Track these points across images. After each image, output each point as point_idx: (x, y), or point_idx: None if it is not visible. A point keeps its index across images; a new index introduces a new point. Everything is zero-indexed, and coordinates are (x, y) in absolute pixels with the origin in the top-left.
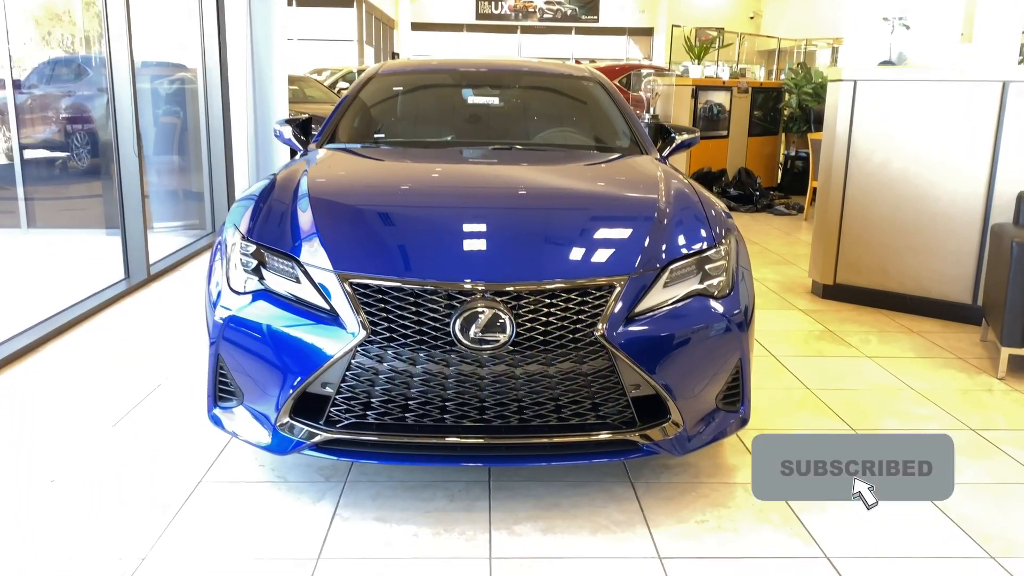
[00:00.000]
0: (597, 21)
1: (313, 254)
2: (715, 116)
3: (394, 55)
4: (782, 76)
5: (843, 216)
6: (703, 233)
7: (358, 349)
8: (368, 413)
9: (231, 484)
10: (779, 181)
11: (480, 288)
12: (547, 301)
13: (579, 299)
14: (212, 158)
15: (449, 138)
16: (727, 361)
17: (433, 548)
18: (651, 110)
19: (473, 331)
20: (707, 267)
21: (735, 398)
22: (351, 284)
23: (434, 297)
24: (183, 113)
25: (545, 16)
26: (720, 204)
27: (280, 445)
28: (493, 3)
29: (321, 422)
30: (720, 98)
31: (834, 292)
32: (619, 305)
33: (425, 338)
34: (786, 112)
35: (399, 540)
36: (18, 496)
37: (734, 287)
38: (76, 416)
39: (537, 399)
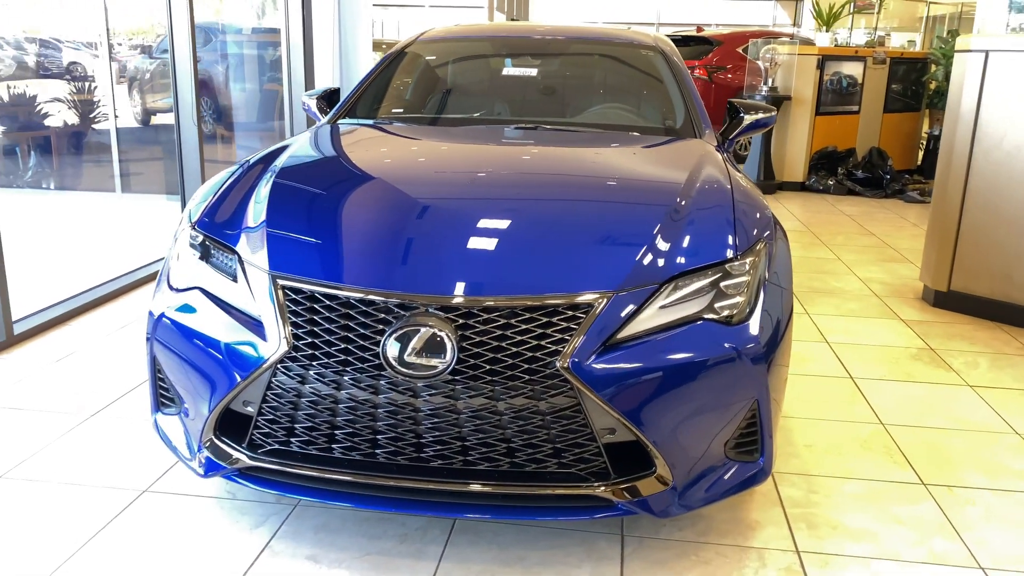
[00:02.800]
0: None
1: (254, 249)
2: (844, 89)
3: (512, 20)
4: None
5: (963, 211)
6: (727, 240)
7: (278, 366)
8: (292, 440)
9: (175, 496)
10: (919, 163)
11: (421, 301)
12: (502, 321)
13: (544, 320)
14: (294, 128)
15: (477, 114)
16: (737, 403)
17: None
18: (769, 81)
19: (406, 354)
20: (723, 284)
21: (751, 446)
22: (283, 288)
23: (366, 309)
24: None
25: None
26: (761, 202)
27: (202, 466)
28: None
29: (244, 446)
30: (851, 69)
31: (947, 300)
32: (594, 329)
33: (351, 359)
34: (931, 86)
35: None
36: None
37: (753, 310)
38: (67, 397)
39: (484, 439)
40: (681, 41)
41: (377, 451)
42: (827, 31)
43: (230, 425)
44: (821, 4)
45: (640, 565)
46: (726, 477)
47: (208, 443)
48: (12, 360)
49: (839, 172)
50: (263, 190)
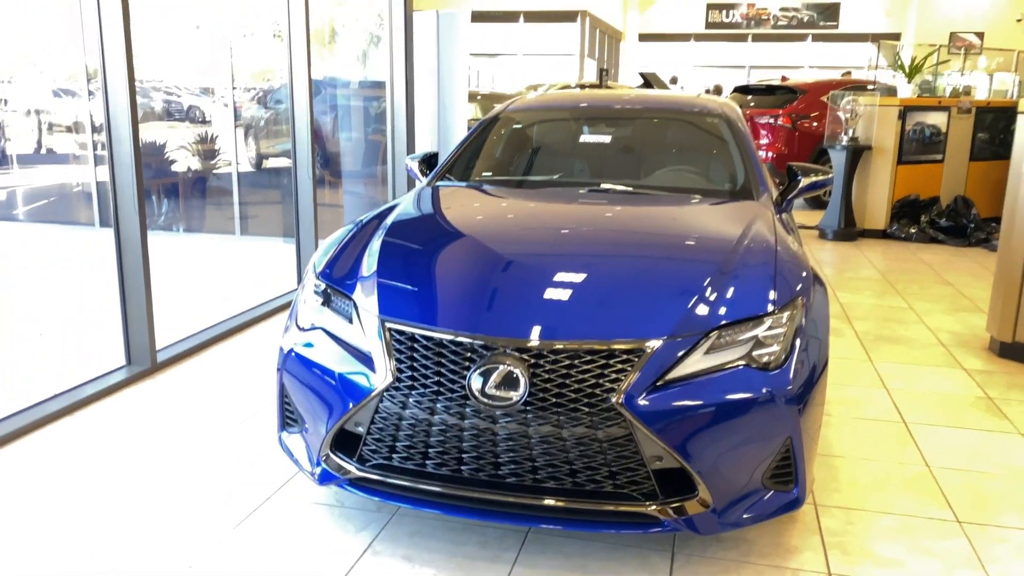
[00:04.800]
0: (836, 27)
1: (367, 296)
2: (927, 139)
3: (602, 71)
4: None
5: None
6: (768, 295)
7: (384, 394)
8: (394, 456)
9: (296, 500)
10: None
11: (500, 343)
12: (567, 361)
13: (603, 361)
14: (395, 175)
15: (555, 177)
16: (772, 439)
17: None
18: (849, 132)
19: (486, 386)
20: (761, 334)
21: (787, 477)
22: (389, 329)
23: (456, 349)
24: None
25: (779, 23)
26: (803, 261)
27: (319, 476)
28: (724, 11)
29: (354, 459)
30: (935, 119)
31: (1013, 351)
32: (646, 370)
33: (443, 389)
34: None
35: None
36: (120, 484)
37: (788, 358)
38: (204, 417)
39: (550, 461)
40: (766, 90)
41: (463, 467)
42: (909, 82)
43: (342, 442)
44: (898, 54)
45: None
46: (763, 503)
47: (325, 457)
48: (158, 384)
49: (922, 220)
50: (374, 246)
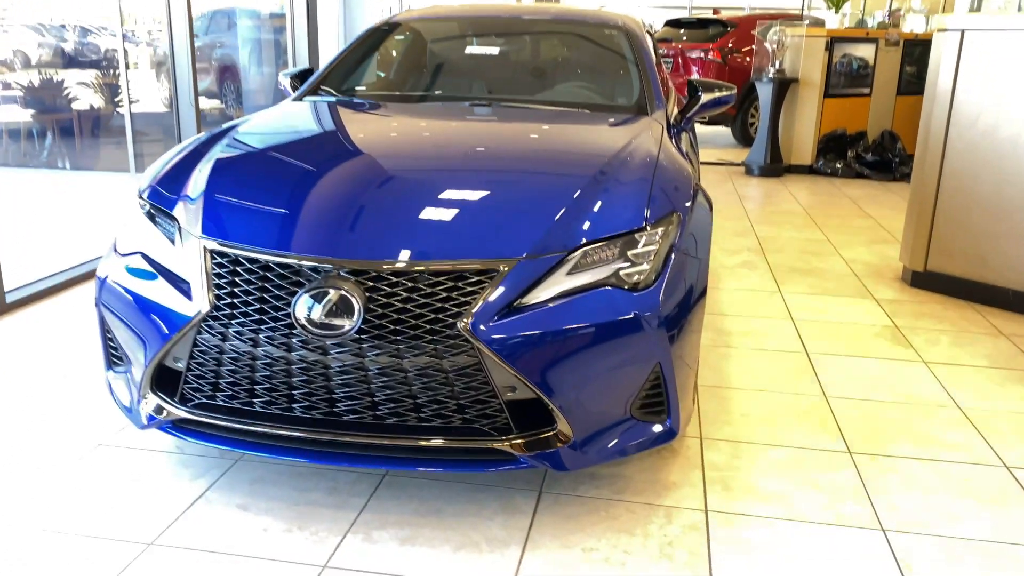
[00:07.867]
0: None
1: (190, 216)
2: (854, 72)
3: None
4: None
5: (939, 192)
6: (641, 210)
7: (201, 324)
8: (217, 395)
9: (129, 449)
10: None
11: (332, 264)
12: (410, 285)
13: (450, 284)
14: None
15: (438, 92)
16: (639, 366)
17: (272, 547)
18: (776, 64)
19: (314, 314)
20: (631, 252)
21: (658, 407)
22: (209, 252)
23: (282, 272)
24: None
25: None
26: (686, 176)
27: (138, 417)
28: None
29: (175, 399)
30: (862, 52)
31: (924, 280)
32: (497, 293)
33: (266, 318)
34: None
35: (245, 533)
36: None
37: (660, 278)
38: (47, 360)
39: (391, 395)
40: (697, 23)
41: (294, 405)
42: (836, 12)
43: (168, 381)
44: None
45: (551, 518)
46: (630, 433)
47: (146, 397)
48: (3, 326)
49: (848, 155)
50: (207, 163)
